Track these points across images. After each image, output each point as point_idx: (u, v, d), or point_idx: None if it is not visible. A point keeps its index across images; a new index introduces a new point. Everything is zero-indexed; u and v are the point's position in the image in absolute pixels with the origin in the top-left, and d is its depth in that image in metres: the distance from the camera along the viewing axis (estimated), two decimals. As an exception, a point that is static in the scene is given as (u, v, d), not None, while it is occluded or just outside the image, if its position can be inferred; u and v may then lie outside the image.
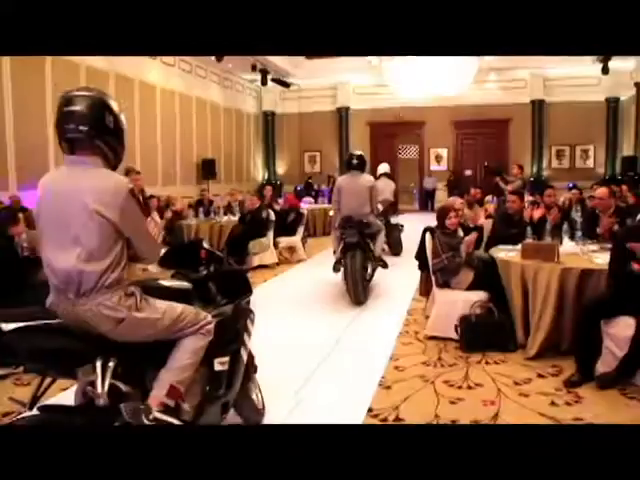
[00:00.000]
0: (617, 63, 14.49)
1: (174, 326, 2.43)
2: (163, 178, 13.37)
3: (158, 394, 2.37)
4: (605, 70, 14.82)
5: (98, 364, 2.22)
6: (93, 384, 2.22)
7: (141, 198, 5.31)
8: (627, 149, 16.37)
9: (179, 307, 2.47)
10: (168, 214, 9.12)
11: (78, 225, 2.18)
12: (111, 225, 2.21)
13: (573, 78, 16.95)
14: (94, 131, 2.23)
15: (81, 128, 2.21)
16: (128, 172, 5.87)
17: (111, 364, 2.25)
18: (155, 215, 9.05)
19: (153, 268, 2.91)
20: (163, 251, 2.79)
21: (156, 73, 13.16)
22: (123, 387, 2.33)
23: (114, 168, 2.36)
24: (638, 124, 14.84)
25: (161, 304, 2.42)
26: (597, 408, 3.56)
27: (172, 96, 13.90)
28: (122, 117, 2.37)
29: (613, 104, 17.32)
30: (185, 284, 2.74)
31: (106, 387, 2.21)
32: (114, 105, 2.33)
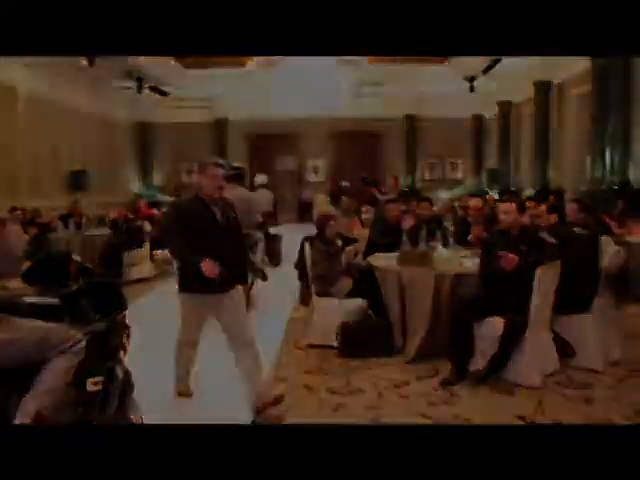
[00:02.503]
0: (482, 82, 15.45)
1: (39, 346, 2.24)
2: (29, 189, 12.46)
3: (22, 422, 2.17)
4: (472, 89, 15.79)
5: None
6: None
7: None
8: (491, 162, 17.57)
9: (44, 325, 2.29)
10: (33, 229, 8.50)
11: None
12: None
13: (443, 95, 17.87)
14: None
15: None
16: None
17: (-35, 391, 2.04)
18: (18, 228, 8.45)
19: (16, 284, 2.67)
20: (26, 266, 2.59)
21: (18, 75, 12.11)
22: (-20, 416, 2.12)
23: None
24: (500, 139, 16.09)
25: (23, 323, 2.23)
26: (471, 404, 3.77)
27: (37, 101, 12.98)
28: None
29: (478, 121, 18.54)
30: (52, 300, 2.55)
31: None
32: None
